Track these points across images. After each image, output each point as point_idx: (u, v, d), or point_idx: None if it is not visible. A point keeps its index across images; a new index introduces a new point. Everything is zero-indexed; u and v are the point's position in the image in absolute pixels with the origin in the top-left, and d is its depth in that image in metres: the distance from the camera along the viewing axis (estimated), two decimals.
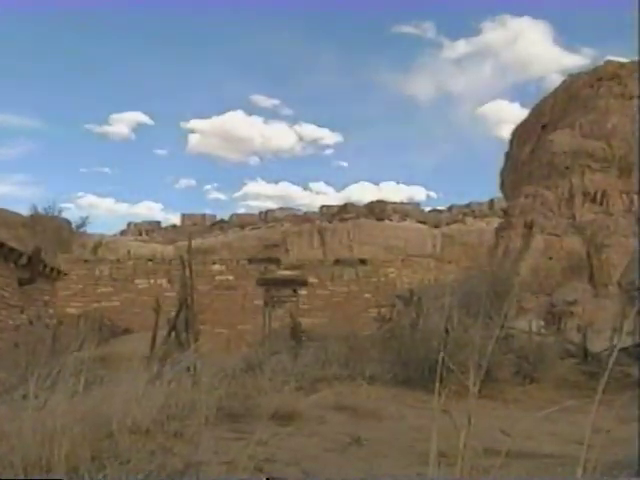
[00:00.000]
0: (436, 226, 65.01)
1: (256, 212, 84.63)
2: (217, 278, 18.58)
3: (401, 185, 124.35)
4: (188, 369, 4.73)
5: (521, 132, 32.89)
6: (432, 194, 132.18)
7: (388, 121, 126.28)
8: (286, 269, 19.05)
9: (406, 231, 61.04)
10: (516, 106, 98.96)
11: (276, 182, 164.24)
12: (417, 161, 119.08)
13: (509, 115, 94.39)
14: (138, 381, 3.64)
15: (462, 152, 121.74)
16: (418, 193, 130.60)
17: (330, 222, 66.11)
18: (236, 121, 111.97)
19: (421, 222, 66.06)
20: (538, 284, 23.07)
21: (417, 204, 78.52)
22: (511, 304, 15.51)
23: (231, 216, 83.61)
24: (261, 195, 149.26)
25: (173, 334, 7.56)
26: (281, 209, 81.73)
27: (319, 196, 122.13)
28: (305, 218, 71.34)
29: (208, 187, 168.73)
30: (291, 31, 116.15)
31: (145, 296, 17.41)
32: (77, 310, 16.82)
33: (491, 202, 70.51)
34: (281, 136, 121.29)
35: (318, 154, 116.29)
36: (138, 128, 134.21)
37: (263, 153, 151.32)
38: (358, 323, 14.79)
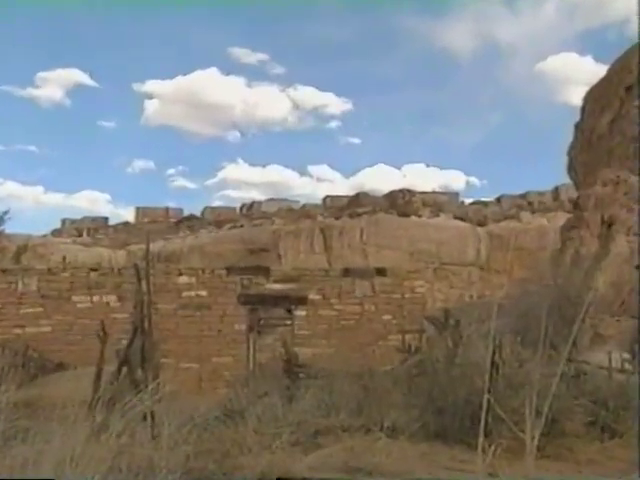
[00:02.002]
0: (480, 224, 64.93)
1: (237, 205, 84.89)
2: (185, 294, 18.45)
3: (432, 169, 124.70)
4: (145, 417, 4.76)
5: (597, 96, 32.83)
6: (474, 180, 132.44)
7: (414, 83, 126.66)
8: (278, 282, 18.81)
9: (440, 231, 60.95)
10: (588, 61, 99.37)
11: (264, 165, 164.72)
12: (454, 137, 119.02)
13: (579, 73, 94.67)
14: (76, 435, 3.63)
15: (515, 124, 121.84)
16: (456, 179, 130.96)
17: (337, 218, 66.11)
18: (208, 83, 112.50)
19: (460, 218, 66.00)
20: (620, 303, 22.99)
21: (454, 194, 78.71)
22: (583, 330, 15.54)
23: (203, 210, 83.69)
24: (243, 182, 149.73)
25: (125, 370, 7.65)
26: (271, 201, 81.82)
27: (322, 184, 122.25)
28: (303, 213, 71.43)
29: (171, 171, 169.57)
30: None
31: (86, 319, 17.22)
32: None
33: (555, 191, 70.57)
34: (270, 103, 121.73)
35: (320, 127, 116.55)
36: (75, 91, 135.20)
37: (245, 126, 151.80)
38: (375, 355, 14.80)
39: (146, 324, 7.65)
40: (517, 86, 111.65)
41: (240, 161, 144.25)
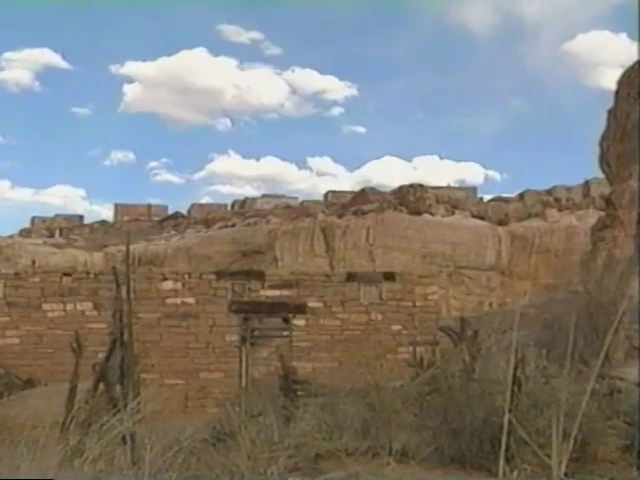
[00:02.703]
0: (501, 223, 65.00)
1: (228, 202, 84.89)
2: (169, 302, 18.54)
3: (447, 161, 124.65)
4: (124, 440, 4.78)
5: (632, 79, 32.81)
6: (494, 174, 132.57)
7: (426, 65, 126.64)
8: (274, 287, 18.92)
9: (455, 230, 61.01)
10: (623, 39, 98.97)
11: (258, 157, 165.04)
12: (471, 125, 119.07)
13: (612, 53, 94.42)
14: (47, 460, 3.62)
15: (540, 110, 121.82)
16: (473, 173, 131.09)
17: (340, 217, 66.25)
18: (195, 64, 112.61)
19: (478, 217, 66.10)
20: None
21: (472, 189, 78.58)
22: (617, 342, 15.31)
23: (190, 208, 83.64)
24: (235, 176, 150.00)
25: (102, 387, 7.65)
26: (266, 197, 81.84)
27: (323, 178, 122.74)
28: (302, 211, 71.47)
29: (154, 164, 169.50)
30: None
31: (59, 329, 17.29)
32: None
33: (586, 186, 70.59)
34: (264, 87, 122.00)
35: (320, 115, 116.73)
36: (45, 74, 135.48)
37: (237, 113, 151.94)
38: (383, 370, 14.52)
39: (126, 335, 7.67)
40: (542, 68, 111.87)
41: (231, 152, 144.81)
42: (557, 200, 69.96)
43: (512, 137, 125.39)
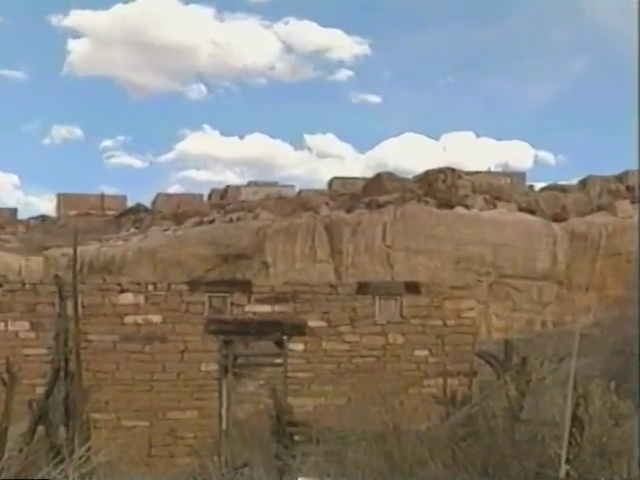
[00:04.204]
0: (557, 218, 64.90)
1: (204, 192, 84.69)
2: (129, 320, 18.38)
3: (485, 139, 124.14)
4: None
5: None
6: (547, 156, 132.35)
7: (457, 16, 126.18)
8: (264, 302, 18.80)
9: (498, 228, 60.89)
10: None
11: (241, 135, 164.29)
12: (516, 93, 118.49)
13: None
14: None
15: (605, 74, 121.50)
16: (520, 154, 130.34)
17: (349, 211, 66.10)
18: (161, 15, 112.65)
19: (528, 210, 65.96)
20: None
21: (519, 175, 78.21)
22: None
23: (156, 199, 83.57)
24: (212, 159, 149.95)
25: (41, 430, 7.76)
26: (253, 186, 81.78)
27: (326, 161, 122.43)
28: (300, 203, 71.31)
29: (108, 143, 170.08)
30: None
31: None
32: None
33: None
34: (250, 44, 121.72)
35: (323, 80, 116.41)
36: None
37: (215, 77, 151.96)
38: (404, 408, 13.86)
39: (72, 364, 7.78)
40: (608, 20, 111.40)
41: (207, 128, 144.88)
42: (629, 189, 69.85)
43: (571, 108, 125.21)
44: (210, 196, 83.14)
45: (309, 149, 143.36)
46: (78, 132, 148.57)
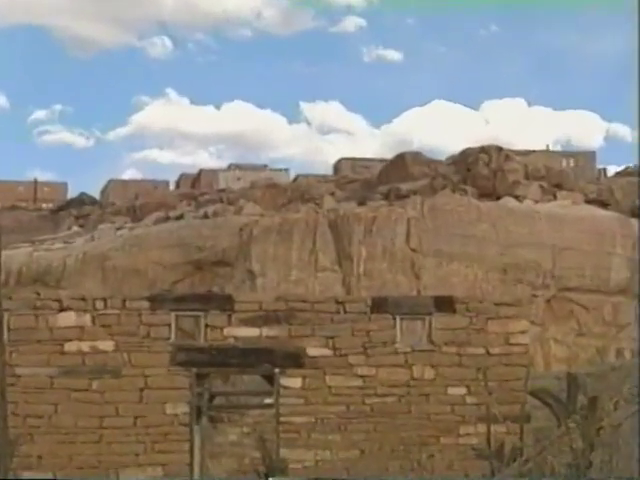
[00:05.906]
0: (636, 214, 60.58)
1: (171, 178, 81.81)
2: (71, 348, 17.82)
3: (540, 108, 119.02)
4: None
5: None
6: (623, 130, 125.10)
7: None
8: (249, 323, 18.01)
9: (559, 225, 56.50)
10: None
11: (218, 104, 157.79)
12: (581, 46, 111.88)
13: None
14: None
15: None
16: (587, 128, 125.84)
17: (361, 203, 61.97)
18: None
19: (598, 202, 61.75)
20: None
21: (586, 156, 75.32)
22: None
23: (106, 188, 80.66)
24: (181, 134, 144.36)
25: None
26: (235, 170, 78.97)
27: (330, 138, 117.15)
28: (297, 192, 67.62)
29: (41, 114, 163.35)
30: None
31: None
32: None
33: None
34: None
35: (326, 31, 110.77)
36: None
37: (183, 28, 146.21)
38: (435, 463, 15.00)
39: None
40: None
41: (172, 94, 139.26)
42: None
43: None
44: (178, 183, 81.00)
45: (307, 122, 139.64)
46: (2, 100, 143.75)
